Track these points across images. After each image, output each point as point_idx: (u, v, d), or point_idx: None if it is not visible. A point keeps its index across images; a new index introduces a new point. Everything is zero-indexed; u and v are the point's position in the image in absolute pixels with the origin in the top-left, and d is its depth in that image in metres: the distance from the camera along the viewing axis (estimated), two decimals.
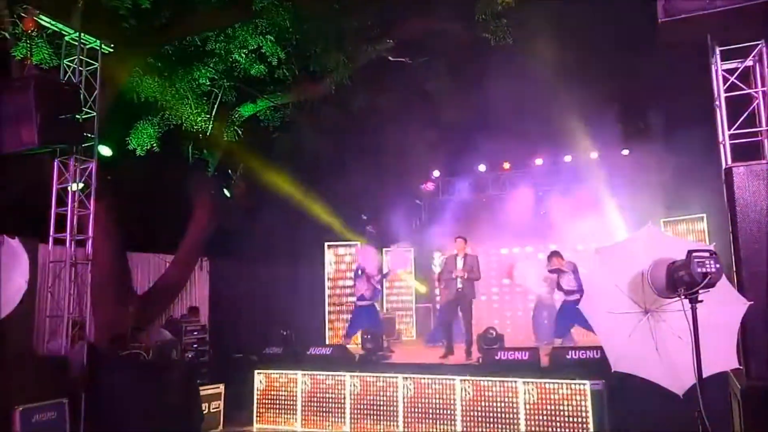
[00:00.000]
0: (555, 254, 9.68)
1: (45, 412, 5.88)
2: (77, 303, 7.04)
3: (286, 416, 7.96)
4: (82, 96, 6.96)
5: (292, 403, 7.95)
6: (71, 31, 7.08)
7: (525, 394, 6.65)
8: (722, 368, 4.28)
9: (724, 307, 4.01)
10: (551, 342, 9.19)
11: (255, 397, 8.21)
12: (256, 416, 8.14)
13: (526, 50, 9.72)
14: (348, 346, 9.46)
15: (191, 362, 8.79)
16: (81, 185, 7.20)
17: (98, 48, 7.30)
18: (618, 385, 6.17)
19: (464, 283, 8.61)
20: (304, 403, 7.88)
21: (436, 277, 12.09)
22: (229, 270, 11.90)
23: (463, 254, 8.77)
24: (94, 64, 7.29)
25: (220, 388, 7.98)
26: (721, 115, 5.29)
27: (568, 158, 13.44)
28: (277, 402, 8.06)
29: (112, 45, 7.43)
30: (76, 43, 7.12)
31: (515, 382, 6.73)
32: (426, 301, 13.78)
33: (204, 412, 7.59)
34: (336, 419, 7.63)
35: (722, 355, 4.04)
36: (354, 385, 7.61)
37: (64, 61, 7.19)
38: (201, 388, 7.67)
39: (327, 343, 11.39)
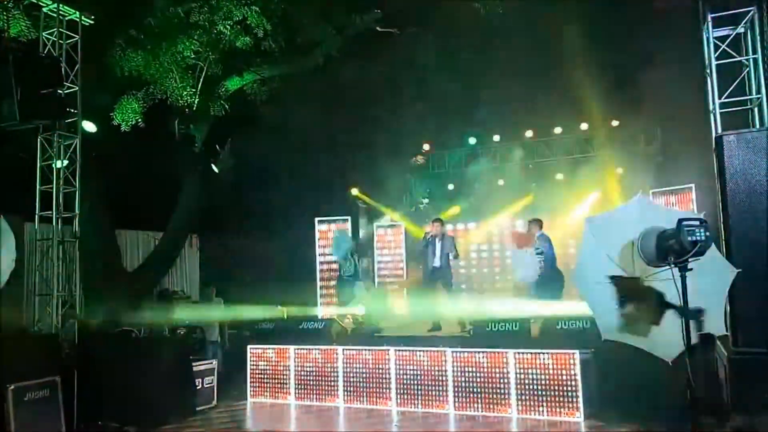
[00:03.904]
0: (534, 222, 9.34)
1: (38, 390, 5.87)
2: (66, 281, 6.99)
3: (279, 390, 8.02)
4: (63, 70, 6.79)
5: (285, 376, 8.00)
6: (49, 2, 6.87)
7: (515, 364, 6.73)
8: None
9: (713, 275, 4.04)
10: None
11: (248, 371, 8.25)
12: (250, 391, 8.20)
13: (516, 20, 9.58)
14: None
15: (183, 338, 8.77)
16: (66, 162, 7.08)
17: (78, 20, 7.11)
18: (608, 354, 6.24)
19: (442, 261, 8.72)
20: (297, 377, 7.93)
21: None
22: (219, 245, 11.86)
23: (440, 236, 8.86)
24: (75, 37, 7.11)
25: (213, 363, 8.00)
26: (712, 83, 5.27)
27: (558, 129, 13.40)
28: (271, 376, 8.11)
29: (92, 17, 7.23)
30: (55, 15, 6.92)
31: (506, 352, 6.81)
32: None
33: (197, 388, 7.61)
34: (329, 392, 7.70)
35: (710, 322, 4.08)
36: (346, 358, 7.66)
37: (43, 33, 6.99)
38: (194, 363, 7.69)
39: (319, 317, 11.43)
